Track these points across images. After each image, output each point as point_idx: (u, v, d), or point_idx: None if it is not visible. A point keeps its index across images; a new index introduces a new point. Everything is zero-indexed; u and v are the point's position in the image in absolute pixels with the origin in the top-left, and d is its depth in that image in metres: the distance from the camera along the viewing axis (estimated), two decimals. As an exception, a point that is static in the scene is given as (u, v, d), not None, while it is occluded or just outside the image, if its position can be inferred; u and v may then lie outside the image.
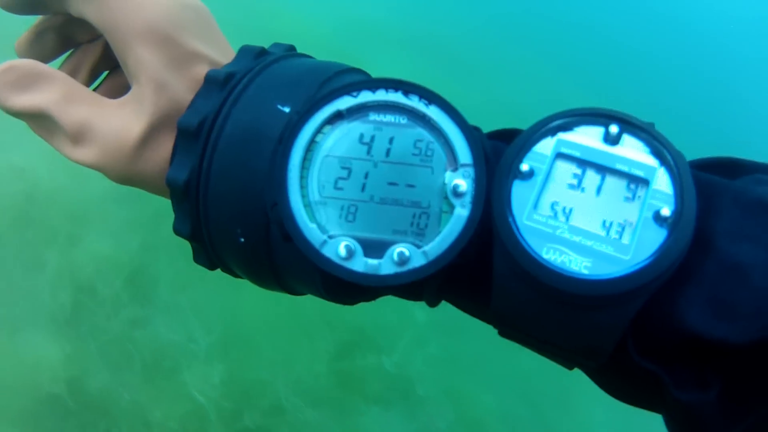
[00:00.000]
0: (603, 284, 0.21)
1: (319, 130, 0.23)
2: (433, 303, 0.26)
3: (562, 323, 0.22)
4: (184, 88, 0.27)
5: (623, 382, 0.23)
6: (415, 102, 0.23)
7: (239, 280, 0.29)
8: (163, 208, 0.31)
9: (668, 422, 0.23)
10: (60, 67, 0.31)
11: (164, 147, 0.27)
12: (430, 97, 0.23)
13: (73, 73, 0.31)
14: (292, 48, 0.30)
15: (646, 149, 0.23)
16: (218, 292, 1.20)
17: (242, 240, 0.25)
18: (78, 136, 0.27)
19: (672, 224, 0.21)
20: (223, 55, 0.29)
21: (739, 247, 0.21)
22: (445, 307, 0.27)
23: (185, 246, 0.28)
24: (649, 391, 0.23)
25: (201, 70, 0.27)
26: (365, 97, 0.23)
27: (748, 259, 0.21)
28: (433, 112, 0.23)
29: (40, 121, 0.28)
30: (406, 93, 0.23)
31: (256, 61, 0.27)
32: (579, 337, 0.22)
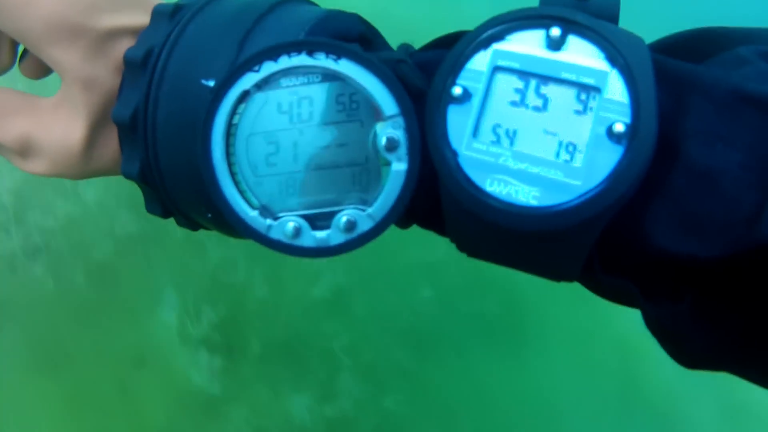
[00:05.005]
0: (552, 216, 0.19)
1: (233, 112, 0.21)
2: (403, 227, 0.26)
3: (520, 254, 0.21)
4: (110, 75, 0.25)
5: (600, 291, 0.23)
6: (322, 60, 0.20)
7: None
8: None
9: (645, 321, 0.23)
10: None
11: (111, 139, 0.26)
12: (338, 51, 0.20)
13: None
14: None
15: (596, 50, 0.19)
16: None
17: (210, 215, 0.25)
18: (24, 152, 0.26)
19: (628, 140, 0.19)
20: (147, 10, 0.26)
21: (711, 150, 0.19)
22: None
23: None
24: (626, 298, 0.22)
25: (123, 47, 0.25)
26: (269, 68, 0.21)
27: (719, 163, 0.18)
28: (345, 67, 0.20)
29: None
30: (310, 53, 0.20)
31: (171, 22, 0.25)
32: (540, 265, 0.21)
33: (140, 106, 0.24)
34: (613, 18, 0.21)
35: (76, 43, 0.24)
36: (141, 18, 0.26)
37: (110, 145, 0.26)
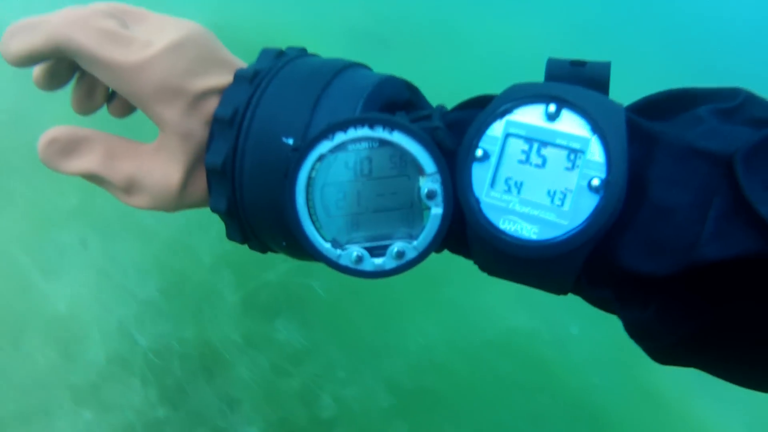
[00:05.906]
0: (547, 248, 0.26)
1: (312, 169, 0.28)
2: (437, 252, 0.33)
3: (526, 274, 0.28)
4: (202, 128, 0.31)
5: (588, 300, 0.30)
6: (380, 132, 0.28)
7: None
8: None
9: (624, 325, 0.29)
10: (74, 89, 0.35)
11: (201, 180, 0.32)
12: (392, 125, 0.27)
13: (89, 94, 0.35)
14: (281, 53, 0.33)
15: (582, 122, 0.26)
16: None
17: (284, 243, 0.32)
18: (128, 189, 0.32)
19: (603, 191, 0.26)
20: (230, 70, 0.32)
21: (669, 193, 0.25)
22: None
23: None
24: (607, 306, 0.29)
25: (212, 105, 0.31)
26: (339, 138, 0.28)
27: (675, 203, 0.25)
28: (396, 137, 0.28)
29: (92, 178, 0.33)
30: (371, 126, 0.28)
31: (252, 85, 0.31)
32: (541, 281, 0.28)
33: (229, 155, 0.31)
34: (604, 82, 0.27)
35: (176, 103, 0.31)
36: (225, 78, 0.32)
37: (200, 184, 0.33)
